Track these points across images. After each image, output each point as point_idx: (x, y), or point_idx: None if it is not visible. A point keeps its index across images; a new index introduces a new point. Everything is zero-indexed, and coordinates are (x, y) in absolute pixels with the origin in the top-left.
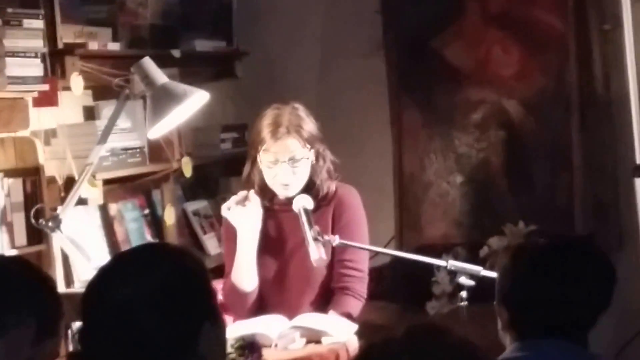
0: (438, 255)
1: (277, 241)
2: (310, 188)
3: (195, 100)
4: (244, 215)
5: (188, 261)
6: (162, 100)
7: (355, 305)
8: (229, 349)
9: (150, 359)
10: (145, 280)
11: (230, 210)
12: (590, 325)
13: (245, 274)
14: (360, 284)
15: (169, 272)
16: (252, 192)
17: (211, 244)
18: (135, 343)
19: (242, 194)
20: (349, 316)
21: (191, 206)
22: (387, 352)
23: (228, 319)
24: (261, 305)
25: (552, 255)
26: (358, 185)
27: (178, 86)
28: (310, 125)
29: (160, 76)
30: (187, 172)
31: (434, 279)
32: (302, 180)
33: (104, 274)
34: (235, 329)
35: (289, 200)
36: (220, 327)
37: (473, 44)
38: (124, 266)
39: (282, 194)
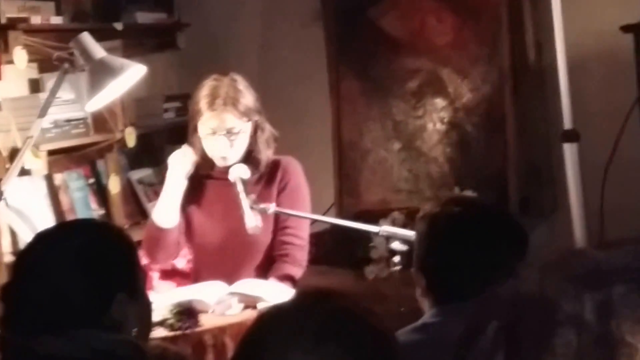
0: (376, 221)
1: (217, 209)
2: (248, 158)
3: (132, 74)
4: (178, 156)
5: (113, 237)
6: (99, 74)
7: (293, 271)
8: (168, 315)
9: (64, 317)
10: (67, 246)
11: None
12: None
13: (165, 210)
14: (301, 252)
15: (90, 242)
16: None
17: None
18: (53, 302)
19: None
20: (287, 278)
21: (135, 175)
22: (276, 318)
23: (170, 284)
24: (201, 273)
25: (465, 223)
26: (299, 153)
27: (115, 60)
28: (247, 98)
29: (98, 50)
30: (131, 141)
31: (371, 244)
32: (240, 151)
33: (33, 242)
34: (173, 295)
35: (228, 168)
36: (141, 303)
37: (409, 13)
38: (52, 234)
39: (220, 164)
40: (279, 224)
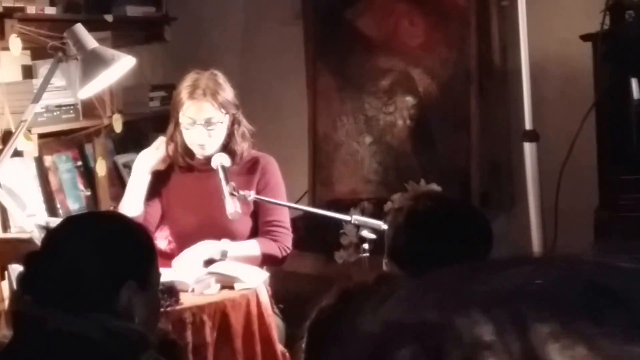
0: (347, 209)
1: (197, 198)
2: (225, 149)
3: (122, 65)
4: (148, 151)
5: (134, 231)
6: (91, 63)
7: (276, 250)
8: None
9: (77, 296)
10: (92, 232)
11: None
12: None
13: (128, 201)
14: (287, 238)
15: (112, 231)
16: (163, 141)
17: None
18: (69, 279)
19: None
20: (268, 256)
21: (121, 159)
22: (365, 299)
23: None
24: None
25: (438, 218)
26: (277, 144)
27: (107, 51)
28: (226, 92)
29: (90, 41)
30: (118, 127)
31: (342, 231)
32: (217, 142)
33: (64, 223)
34: None
35: (208, 160)
36: (151, 296)
37: (383, 16)
38: (80, 219)
39: (198, 153)
40: (261, 217)
